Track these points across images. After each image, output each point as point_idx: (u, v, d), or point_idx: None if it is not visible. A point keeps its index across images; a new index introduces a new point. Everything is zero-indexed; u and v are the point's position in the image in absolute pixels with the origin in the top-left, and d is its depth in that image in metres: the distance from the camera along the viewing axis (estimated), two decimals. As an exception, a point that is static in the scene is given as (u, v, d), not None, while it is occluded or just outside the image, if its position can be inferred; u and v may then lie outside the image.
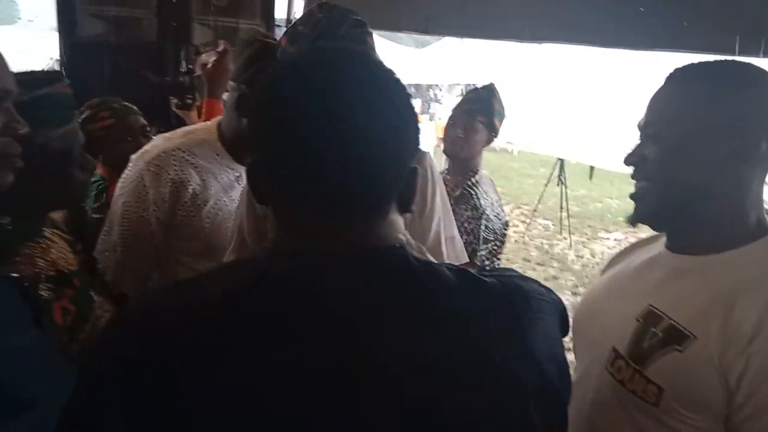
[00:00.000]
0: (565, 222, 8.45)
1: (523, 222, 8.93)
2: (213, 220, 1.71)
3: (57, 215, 1.43)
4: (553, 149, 7.53)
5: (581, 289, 6.24)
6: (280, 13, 3.43)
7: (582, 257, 7.80)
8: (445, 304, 0.72)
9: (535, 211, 8.82)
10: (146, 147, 1.77)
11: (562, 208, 8.49)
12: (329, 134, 0.69)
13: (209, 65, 2.27)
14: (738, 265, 1.03)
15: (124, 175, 1.75)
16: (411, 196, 0.79)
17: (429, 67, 15.77)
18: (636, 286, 1.16)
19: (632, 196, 1.14)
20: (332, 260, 0.71)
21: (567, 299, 5.61)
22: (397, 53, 15.18)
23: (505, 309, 0.75)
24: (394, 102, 0.73)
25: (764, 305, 0.96)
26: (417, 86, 18.47)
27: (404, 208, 0.79)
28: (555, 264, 7.42)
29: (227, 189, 1.74)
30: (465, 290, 0.74)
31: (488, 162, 1.64)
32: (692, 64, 1.10)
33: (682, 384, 1.00)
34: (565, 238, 8.33)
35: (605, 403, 1.12)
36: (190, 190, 1.67)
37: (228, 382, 0.64)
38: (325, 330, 0.67)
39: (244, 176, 1.75)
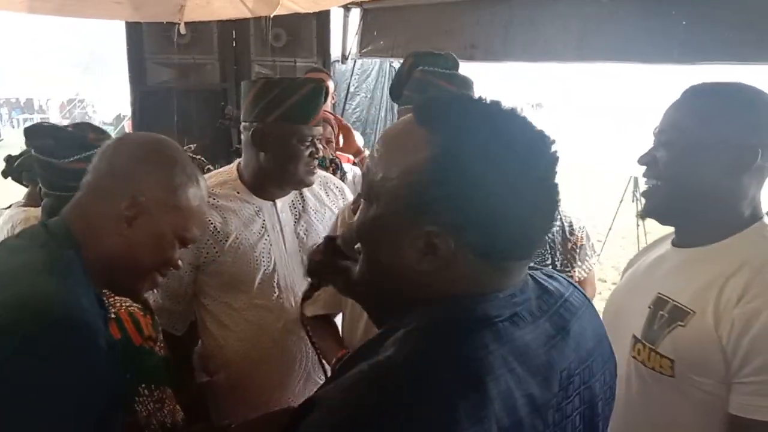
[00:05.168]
0: (643, 239, 8.15)
1: (599, 241, 8.68)
2: (235, 254, 1.79)
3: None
4: (623, 165, 7.30)
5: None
6: (335, 50, 3.55)
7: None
8: (569, 307, 0.89)
9: (610, 230, 8.56)
10: None
11: (638, 225, 8.19)
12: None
13: None
14: (731, 249, 1.20)
15: None
16: None
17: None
18: (648, 280, 1.34)
19: (643, 194, 1.30)
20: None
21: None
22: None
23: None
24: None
25: (749, 277, 1.13)
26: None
27: None
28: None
29: (247, 224, 1.82)
30: (571, 291, 0.91)
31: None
32: (705, 84, 1.25)
33: (688, 353, 1.17)
34: (643, 257, 8.02)
35: (633, 386, 1.27)
36: (211, 228, 1.77)
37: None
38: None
39: (263, 210, 1.84)
